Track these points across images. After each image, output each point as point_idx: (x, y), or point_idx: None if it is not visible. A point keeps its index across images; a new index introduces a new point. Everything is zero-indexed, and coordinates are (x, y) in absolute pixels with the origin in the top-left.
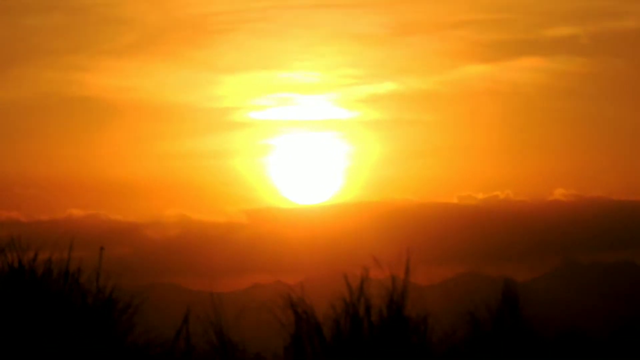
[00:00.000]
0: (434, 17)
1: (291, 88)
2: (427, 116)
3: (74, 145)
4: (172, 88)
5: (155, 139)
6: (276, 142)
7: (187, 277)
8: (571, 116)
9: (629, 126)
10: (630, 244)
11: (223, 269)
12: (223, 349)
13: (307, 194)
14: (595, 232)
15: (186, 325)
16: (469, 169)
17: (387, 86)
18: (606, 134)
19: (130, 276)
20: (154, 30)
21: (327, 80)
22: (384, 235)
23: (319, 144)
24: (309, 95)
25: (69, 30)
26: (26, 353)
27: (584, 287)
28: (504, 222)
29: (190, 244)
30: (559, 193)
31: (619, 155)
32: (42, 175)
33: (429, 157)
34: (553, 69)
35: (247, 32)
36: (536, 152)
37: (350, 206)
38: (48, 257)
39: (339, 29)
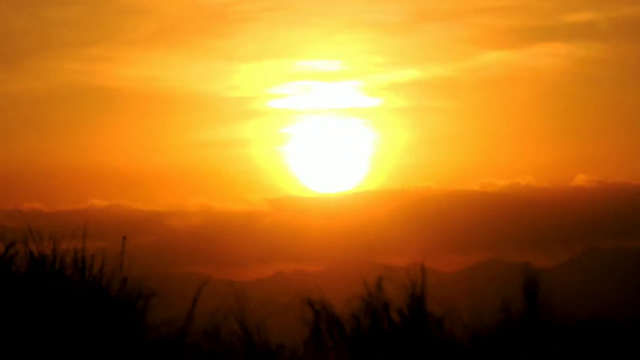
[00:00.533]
0: (453, 4)
1: (312, 76)
2: (448, 103)
3: (95, 136)
4: (193, 78)
5: (177, 129)
6: (297, 130)
7: (211, 266)
8: (592, 102)
9: None
10: None
11: (246, 258)
12: (246, 338)
13: (329, 183)
14: (617, 218)
15: (193, 308)
16: (490, 155)
17: (407, 74)
18: (627, 120)
19: (153, 265)
20: (174, 21)
21: (347, 68)
22: (405, 224)
23: (341, 132)
24: (330, 83)
25: (90, 22)
26: (46, 342)
27: (608, 273)
28: (525, 208)
29: (212, 232)
30: (581, 179)
31: (639, 140)
32: (64, 166)
33: (449, 145)
34: (573, 54)
35: (268, 21)
36: (557, 139)
37: (372, 194)
38: (68, 248)
39: (359, 17)
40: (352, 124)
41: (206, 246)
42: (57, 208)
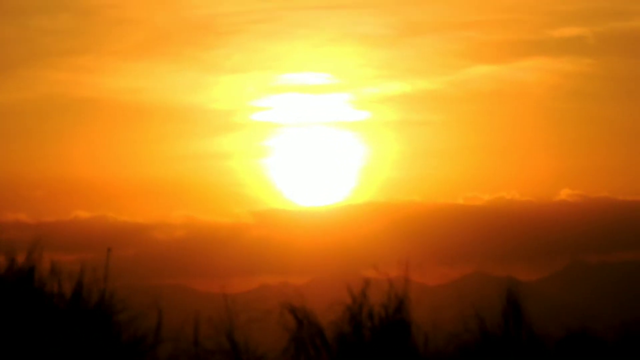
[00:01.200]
0: (440, 17)
1: (299, 89)
2: (435, 117)
3: (79, 147)
4: (178, 89)
5: (161, 141)
6: (283, 143)
7: (195, 278)
8: (577, 116)
9: (634, 127)
10: (637, 244)
11: (230, 270)
12: (232, 349)
13: (315, 196)
14: (601, 233)
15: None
16: (475, 169)
17: (395, 87)
18: (612, 135)
19: (137, 277)
20: (160, 32)
21: (334, 81)
22: (391, 237)
23: (327, 145)
24: (316, 96)
25: (77, 32)
26: (28, 352)
27: (592, 286)
28: (510, 222)
29: (197, 245)
30: (565, 193)
31: (624, 155)
32: (48, 177)
33: (435, 158)
34: (560, 69)
35: (254, 33)
36: (542, 153)
37: (357, 208)
38: (52, 259)
39: (346, 30)
40: (338, 137)
41: (190, 258)
42: (40, 219)
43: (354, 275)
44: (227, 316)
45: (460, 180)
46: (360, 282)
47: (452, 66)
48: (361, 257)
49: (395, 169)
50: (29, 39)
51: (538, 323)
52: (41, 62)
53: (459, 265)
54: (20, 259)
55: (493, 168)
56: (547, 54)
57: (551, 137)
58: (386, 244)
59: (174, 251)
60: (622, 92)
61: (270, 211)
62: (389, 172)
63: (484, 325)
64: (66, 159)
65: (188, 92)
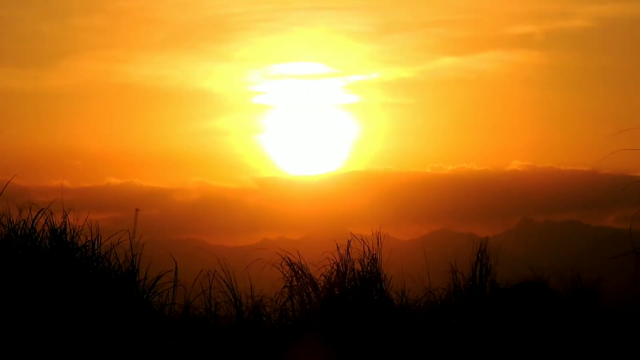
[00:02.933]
0: (414, 17)
1: (296, 77)
2: (409, 100)
3: (113, 124)
4: (194, 76)
5: (179, 119)
6: (281, 121)
7: (208, 234)
8: (527, 100)
9: (575, 108)
10: (575, 206)
11: (237, 227)
12: (233, 297)
13: (308, 166)
14: (547, 196)
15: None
16: (441, 143)
17: (374, 75)
18: (555, 114)
19: (160, 233)
20: (180, 29)
21: (325, 70)
22: (371, 200)
23: (320, 124)
24: (311, 81)
25: (111, 29)
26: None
27: (540, 242)
28: (470, 188)
29: (209, 205)
30: (516, 164)
31: (565, 131)
32: (86, 149)
33: (408, 134)
34: (513, 60)
35: (258, 30)
36: (496, 129)
37: (343, 176)
38: (88, 218)
39: (336, 27)
40: (329, 117)
41: (204, 217)
42: (79, 185)
43: (341, 232)
44: (230, 268)
45: (428, 153)
46: (346, 238)
47: (423, 58)
48: (348, 216)
49: (378, 144)
50: (71, 36)
51: (496, 274)
52: (81, 54)
53: (428, 223)
54: (59, 218)
55: (456, 143)
56: (502, 48)
57: (504, 116)
58: (368, 206)
59: (190, 211)
60: (564, 80)
61: (270, 179)
62: (373, 146)
63: (457, 278)
64: (101, 134)
65: (202, 78)
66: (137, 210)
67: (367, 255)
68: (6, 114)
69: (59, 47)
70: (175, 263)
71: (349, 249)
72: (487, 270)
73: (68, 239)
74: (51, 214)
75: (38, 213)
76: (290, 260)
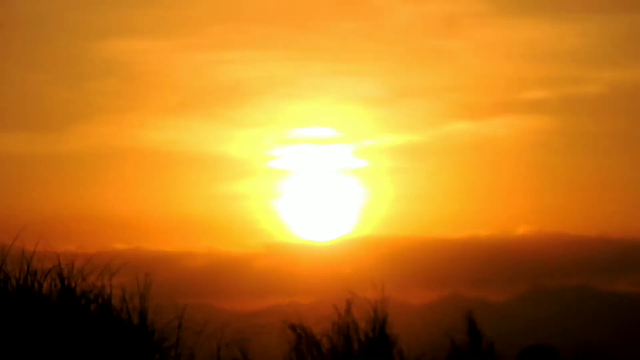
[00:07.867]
0: (426, 83)
1: (308, 141)
2: (420, 164)
3: (121, 188)
4: (207, 141)
5: (190, 184)
6: (292, 186)
7: (216, 298)
8: (539, 165)
9: (585, 174)
10: (585, 271)
11: (245, 292)
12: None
13: (319, 232)
14: (556, 261)
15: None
16: (451, 209)
17: (388, 140)
18: (565, 180)
19: (168, 297)
20: (194, 94)
21: (338, 134)
22: (381, 264)
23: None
24: (323, 146)
25: (123, 93)
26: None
27: (550, 307)
28: (479, 253)
29: (217, 270)
30: (524, 228)
31: (574, 197)
32: (95, 214)
33: (419, 199)
34: (526, 126)
35: (272, 94)
36: (505, 194)
37: (354, 241)
38: (94, 283)
39: (349, 92)
40: (341, 181)
41: (212, 282)
42: (86, 250)
43: (351, 295)
44: (240, 332)
45: (438, 218)
46: (356, 301)
47: (435, 122)
48: (357, 280)
49: (388, 209)
50: (83, 99)
51: (507, 338)
52: (93, 118)
53: (437, 288)
54: (69, 279)
55: (465, 207)
56: (515, 113)
57: (514, 181)
58: (377, 269)
59: (198, 276)
60: (576, 145)
61: (280, 244)
62: (382, 211)
63: (453, 342)
64: (110, 198)
65: (215, 143)
66: (146, 274)
67: (377, 318)
68: (17, 179)
69: (69, 112)
70: (178, 335)
71: (350, 310)
72: (480, 337)
73: (83, 307)
74: (64, 278)
75: (47, 274)
76: (293, 324)
